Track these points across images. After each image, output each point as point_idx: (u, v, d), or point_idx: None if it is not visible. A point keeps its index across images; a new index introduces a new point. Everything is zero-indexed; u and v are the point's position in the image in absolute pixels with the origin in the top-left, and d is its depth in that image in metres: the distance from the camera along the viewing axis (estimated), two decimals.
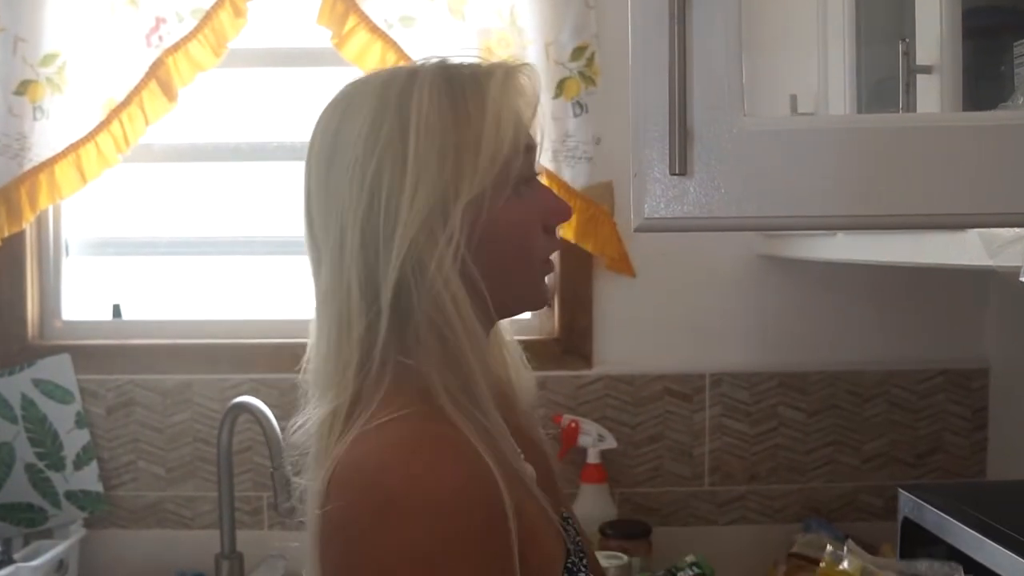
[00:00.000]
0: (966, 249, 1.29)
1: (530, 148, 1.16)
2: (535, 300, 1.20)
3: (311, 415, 1.12)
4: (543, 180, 1.22)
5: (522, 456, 1.21)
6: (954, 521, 1.46)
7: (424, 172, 1.06)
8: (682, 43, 0.80)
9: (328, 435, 1.08)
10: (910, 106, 1.38)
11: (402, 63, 2.22)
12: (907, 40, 1.37)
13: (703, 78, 0.81)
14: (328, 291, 1.11)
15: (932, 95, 1.38)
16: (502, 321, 1.24)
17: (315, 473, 1.07)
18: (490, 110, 1.09)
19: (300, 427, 1.14)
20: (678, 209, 0.82)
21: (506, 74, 1.13)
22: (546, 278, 1.21)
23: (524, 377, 1.30)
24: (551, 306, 2.41)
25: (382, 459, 1.00)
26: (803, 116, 1.65)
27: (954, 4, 1.35)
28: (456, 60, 1.15)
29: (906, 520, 1.59)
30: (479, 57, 1.18)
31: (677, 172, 0.80)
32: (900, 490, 1.62)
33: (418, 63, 1.15)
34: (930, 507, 1.53)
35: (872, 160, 0.82)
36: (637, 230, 0.84)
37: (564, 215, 1.19)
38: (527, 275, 1.17)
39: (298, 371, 1.18)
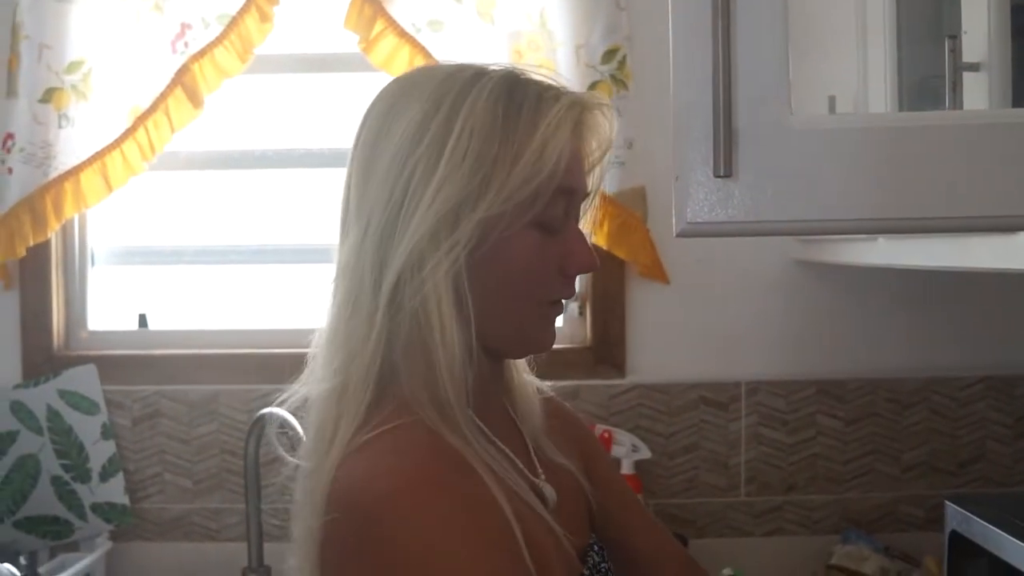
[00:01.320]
0: (1018, 253, 1.25)
1: (572, 190, 1.11)
2: (530, 340, 1.15)
3: (309, 388, 1.13)
4: (585, 225, 1.18)
5: (542, 477, 1.20)
6: (1004, 534, 1.43)
7: (452, 176, 1.04)
8: (727, 39, 0.76)
9: (331, 409, 1.09)
10: (957, 104, 1.35)
11: None
12: (956, 37, 1.34)
13: (748, 75, 0.78)
14: (345, 267, 1.10)
15: (979, 93, 1.35)
16: None
17: (315, 467, 1.08)
18: (540, 135, 1.05)
19: (291, 397, 1.17)
20: (722, 213, 0.79)
21: (572, 105, 1.08)
22: (554, 320, 1.16)
23: (528, 400, 1.28)
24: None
25: (368, 472, 1.01)
26: (852, 115, 1.62)
27: (1003, 1, 1.31)
28: (526, 73, 1.12)
29: (954, 533, 1.55)
30: (556, 80, 1.13)
31: (722, 174, 0.77)
32: (947, 503, 1.59)
33: (488, 66, 1.12)
34: (978, 519, 1.49)
35: (923, 160, 0.79)
36: (680, 235, 0.81)
37: (586, 265, 1.13)
38: (526, 310, 1.12)
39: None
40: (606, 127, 1.15)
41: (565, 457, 1.26)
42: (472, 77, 1.08)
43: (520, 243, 1.08)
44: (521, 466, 1.16)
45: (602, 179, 1.20)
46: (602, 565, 1.22)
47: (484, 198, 1.04)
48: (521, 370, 1.27)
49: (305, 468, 1.11)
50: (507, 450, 1.14)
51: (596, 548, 1.25)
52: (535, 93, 1.08)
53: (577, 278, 1.18)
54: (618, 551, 1.32)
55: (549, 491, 1.18)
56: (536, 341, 1.15)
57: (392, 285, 1.06)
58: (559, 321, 2.22)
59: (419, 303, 1.05)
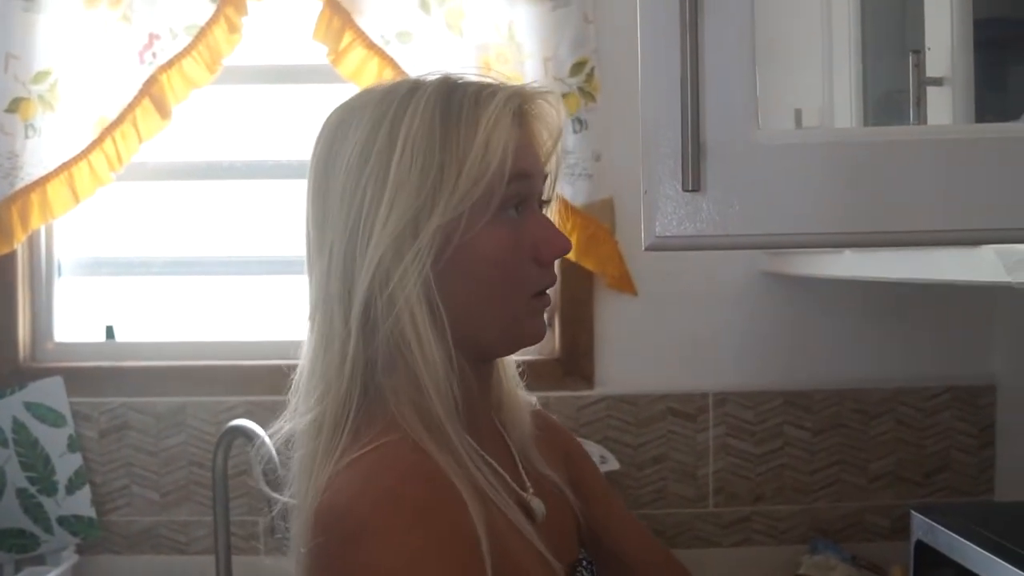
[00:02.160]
0: (982, 265, 1.27)
1: (526, 175, 1.11)
2: (520, 336, 1.14)
3: (294, 423, 1.13)
4: (552, 214, 1.19)
5: (531, 491, 1.19)
6: (968, 543, 1.44)
7: (402, 189, 1.04)
8: (694, 56, 0.77)
9: (311, 443, 1.09)
10: (921, 119, 1.36)
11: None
12: (919, 52, 1.35)
13: (716, 91, 0.78)
14: (316, 305, 1.11)
15: (943, 107, 1.36)
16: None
17: (301, 499, 1.08)
18: (481, 133, 1.05)
19: (277, 432, 1.16)
20: (691, 227, 0.79)
21: (510, 97, 1.09)
22: (543, 312, 1.16)
23: (517, 412, 1.27)
24: (552, 327, 2.38)
25: (351, 493, 1.00)
26: (819, 129, 1.63)
27: (965, 15, 1.33)
28: (463, 77, 1.12)
29: (919, 543, 1.56)
30: (494, 78, 1.14)
31: (691, 188, 0.77)
32: (913, 512, 1.60)
33: (424, 77, 1.12)
34: (944, 529, 1.50)
35: (888, 174, 0.79)
36: (648, 249, 0.81)
37: (558, 248, 1.13)
38: (507, 307, 1.11)
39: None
40: (553, 114, 1.15)
41: (552, 468, 1.26)
42: (408, 92, 1.08)
43: (487, 241, 1.07)
44: (509, 480, 1.15)
45: (559, 167, 1.19)
46: None
47: (438, 204, 1.04)
48: (513, 383, 1.26)
49: (295, 501, 1.11)
50: (495, 464, 1.13)
51: (585, 563, 1.24)
52: (472, 94, 1.08)
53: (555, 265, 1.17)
54: (608, 560, 1.31)
55: (538, 504, 1.17)
56: (527, 335, 1.14)
57: (361, 309, 1.06)
58: None
59: (393, 322, 1.05)
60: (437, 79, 1.10)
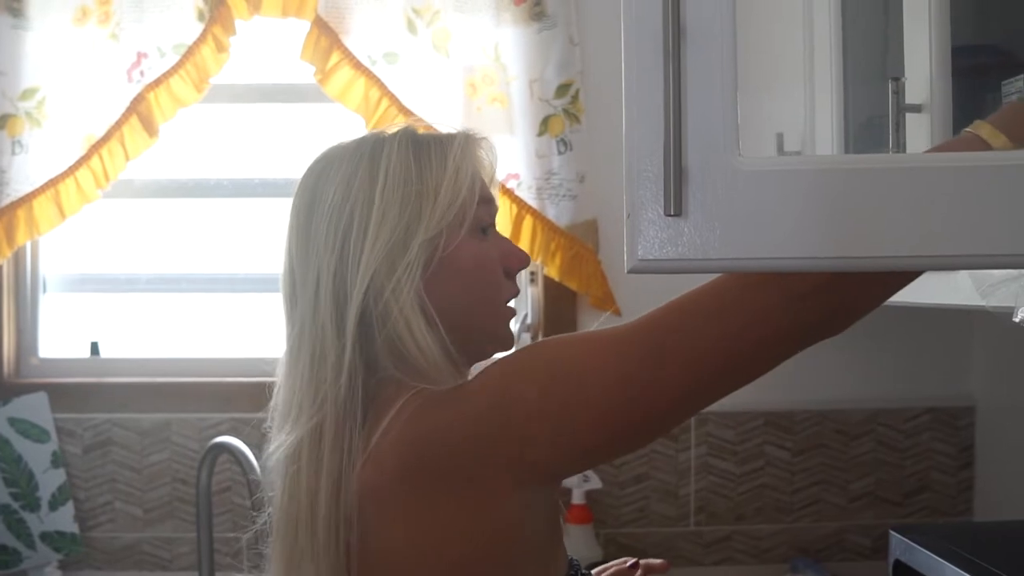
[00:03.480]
0: (957, 289, 1.29)
1: (488, 200, 1.25)
2: (498, 337, 1.26)
3: (282, 442, 1.19)
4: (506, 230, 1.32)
5: None
6: (946, 563, 1.45)
7: (388, 215, 1.16)
8: (677, 83, 0.78)
9: (315, 448, 1.15)
10: (900, 145, 1.38)
11: (385, 100, 2.23)
12: (899, 79, 1.37)
13: (698, 117, 0.79)
14: (302, 331, 1.19)
15: (922, 134, 1.38)
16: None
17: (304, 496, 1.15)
18: (450, 164, 1.19)
19: (272, 455, 1.22)
20: (672, 251, 0.80)
21: (467, 139, 1.24)
22: (510, 323, 1.28)
23: None
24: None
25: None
26: (800, 156, 1.65)
27: (943, 43, 1.35)
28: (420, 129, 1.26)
29: (897, 563, 1.58)
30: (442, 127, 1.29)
31: (672, 213, 0.79)
32: (891, 532, 1.61)
33: (385, 131, 1.25)
34: (922, 549, 1.51)
35: (867, 200, 0.81)
36: (631, 272, 0.82)
37: (522, 261, 1.27)
38: (492, 310, 1.24)
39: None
40: (488, 158, 1.28)
41: None
42: (376, 139, 1.22)
43: (467, 250, 1.20)
44: None
45: (497, 199, 1.32)
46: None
47: (421, 225, 1.16)
48: None
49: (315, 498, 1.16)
50: None
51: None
52: (436, 136, 1.24)
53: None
54: None
55: None
56: (505, 339, 1.26)
57: (356, 322, 1.15)
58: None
59: (391, 329, 1.14)
60: (401, 128, 1.24)
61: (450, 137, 1.24)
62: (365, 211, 1.16)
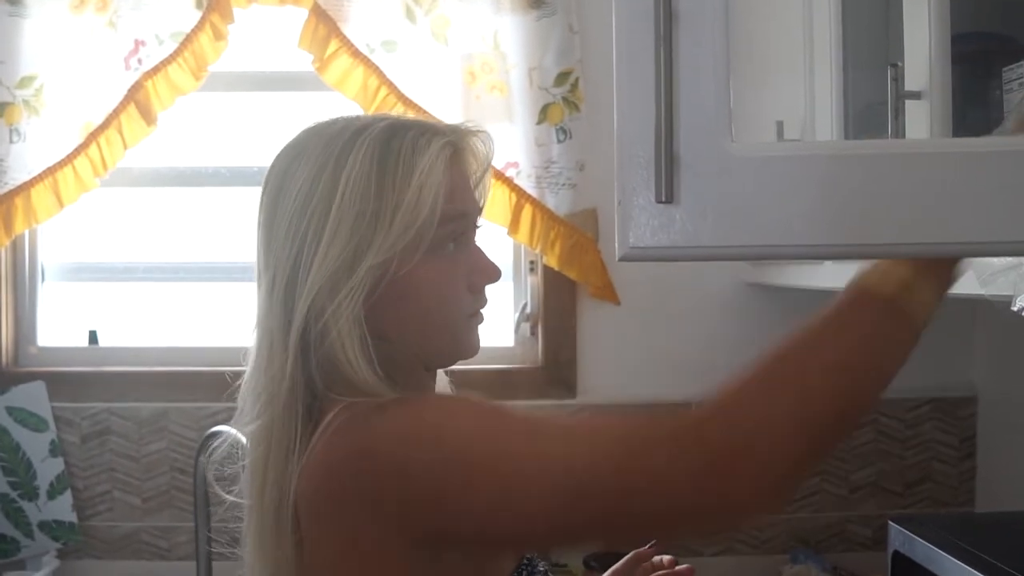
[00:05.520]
0: (962, 278, 1.27)
1: (462, 214, 1.20)
2: (457, 351, 1.23)
3: (244, 429, 1.21)
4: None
5: None
6: (945, 554, 1.44)
7: (341, 230, 1.12)
8: (668, 68, 0.77)
9: (262, 444, 1.16)
10: (899, 132, 1.37)
11: (384, 88, 2.21)
12: (897, 65, 1.36)
13: (690, 104, 0.79)
14: (260, 318, 1.19)
15: (921, 120, 1.37)
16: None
17: (258, 497, 1.16)
18: (415, 183, 1.13)
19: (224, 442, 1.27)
20: (664, 238, 0.80)
21: (444, 146, 1.17)
22: (477, 329, 1.25)
23: None
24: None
25: (373, 425, 1.08)
26: (792, 142, 1.64)
27: (943, 30, 1.34)
28: (407, 120, 1.21)
29: (896, 553, 1.57)
30: (436, 120, 1.27)
31: (664, 200, 0.78)
32: (890, 523, 1.60)
33: (371, 120, 1.20)
34: (921, 540, 1.51)
35: (862, 187, 0.80)
36: (622, 259, 0.81)
37: (491, 276, 1.23)
38: (446, 329, 1.21)
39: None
40: (483, 149, 1.23)
41: None
42: (353, 136, 1.16)
43: (424, 274, 1.16)
44: None
45: (486, 194, 1.28)
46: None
47: (372, 247, 1.12)
48: (443, 387, 1.35)
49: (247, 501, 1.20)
50: None
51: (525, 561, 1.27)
52: (410, 142, 1.16)
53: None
54: None
55: None
56: (463, 350, 1.23)
57: (298, 336, 1.13)
58: (510, 341, 2.22)
59: (327, 349, 1.12)
60: (384, 124, 1.18)
61: (426, 142, 1.17)
62: (321, 222, 1.13)
